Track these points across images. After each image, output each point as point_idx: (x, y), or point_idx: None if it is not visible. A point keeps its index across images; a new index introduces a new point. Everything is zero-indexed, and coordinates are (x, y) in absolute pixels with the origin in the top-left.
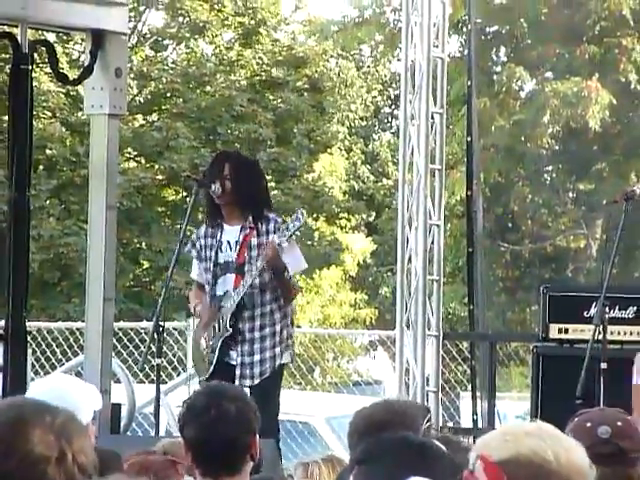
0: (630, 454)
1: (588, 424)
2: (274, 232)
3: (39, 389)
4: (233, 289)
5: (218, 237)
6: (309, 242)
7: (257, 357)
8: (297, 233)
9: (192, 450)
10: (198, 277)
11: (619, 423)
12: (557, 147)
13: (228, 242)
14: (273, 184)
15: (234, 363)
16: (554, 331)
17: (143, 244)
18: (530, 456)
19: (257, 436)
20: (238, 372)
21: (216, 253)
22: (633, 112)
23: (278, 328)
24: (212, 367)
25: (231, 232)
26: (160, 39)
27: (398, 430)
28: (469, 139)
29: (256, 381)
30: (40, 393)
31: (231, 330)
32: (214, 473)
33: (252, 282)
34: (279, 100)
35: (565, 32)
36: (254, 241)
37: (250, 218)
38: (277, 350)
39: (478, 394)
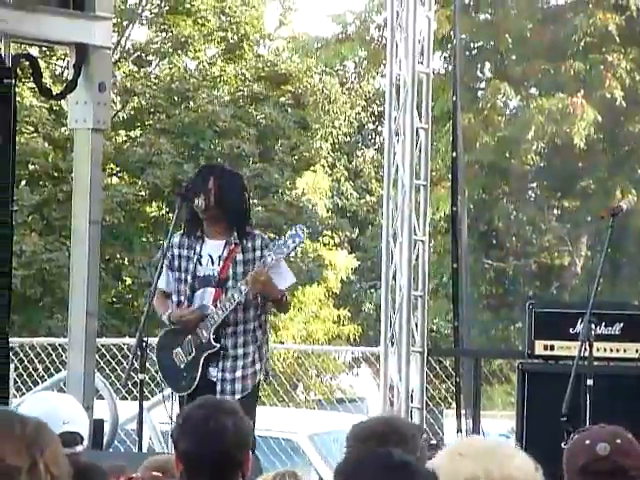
0: (630, 472)
1: (587, 441)
2: (261, 249)
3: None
4: (212, 303)
5: (197, 250)
6: (292, 259)
7: (239, 373)
8: (296, 249)
9: (185, 463)
10: (166, 286)
11: (618, 440)
12: (542, 164)
13: (210, 256)
14: (256, 200)
15: (214, 379)
16: (540, 348)
17: (125, 260)
18: (503, 475)
19: (250, 452)
20: (219, 388)
21: (195, 266)
22: (618, 129)
23: (259, 345)
24: (195, 383)
25: (214, 246)
26: (143, 54)
27: (397, 446)
28: (454, 155)
29: (237, 397)
30: (41, 409)
31: (218, 346)
32: None
33: (238, 298)
34: (262, 116)
35: (550, 48)
36: (239, 257)
37: (235, 234)
38: (257, 367)
39: (462, 411)
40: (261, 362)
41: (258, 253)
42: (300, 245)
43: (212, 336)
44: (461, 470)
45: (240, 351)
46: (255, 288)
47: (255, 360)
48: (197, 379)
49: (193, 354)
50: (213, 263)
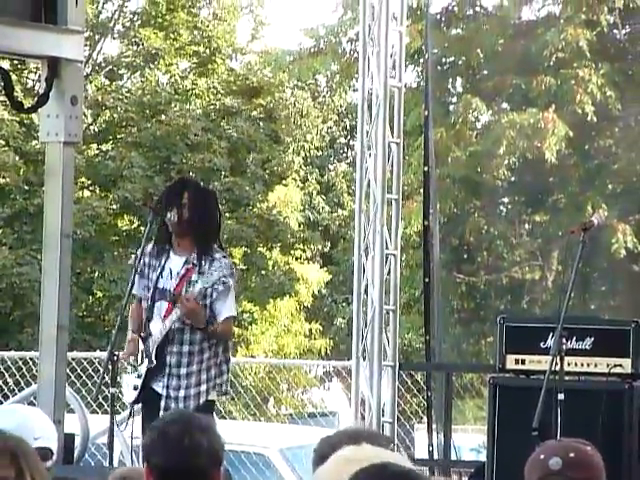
0: None
1: (542, 456)
2: (218, 273)
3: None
4: (163, 317)
5: (162, 262)
6: (263, 272)
7: (182, 393)
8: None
9: (156, 478)
10: (138, 291)
11: (572, 454)
12: (513, 178)
13: (170, 270)
14: (228, 214)
15: (161, 392)
16: (511, 362)
17: (97, 273)
18: None
19: (221, 469)
20: (163, 404)
21: (157, 277)
22: (589, 144)
23: (205, 366)
24: (137, 393)
25: (176, 261)
26: (115, 68)
27: None
28: (426, 169)
29: None
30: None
31: (155, 363)
32: None
33: (182, 318)
34: (234, 129)
35: (521, 63)
36: (194, 277)
37: (194, 254)
38: (202, 388)
39: (433, 425)
40: (208, 383)
41: (214, 276)
42: (229, 279)
43: (154, 353)
44: (345, 475)
45: (183, 371)
46: (184, 312)
47: (201, 381)
48: (139, 389)
49: (139, 368)
50: (172, 278)
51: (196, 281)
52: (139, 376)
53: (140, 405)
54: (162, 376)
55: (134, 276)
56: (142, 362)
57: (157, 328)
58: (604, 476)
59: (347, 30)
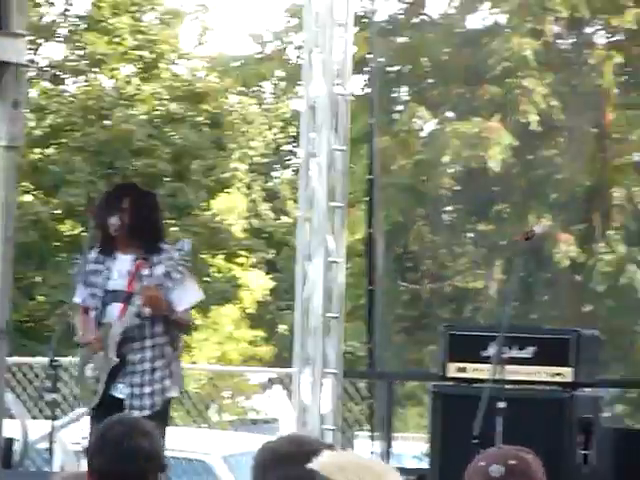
0: None
1: (482, 463)
2: (163, 262)
3: None
4: (118, 318)
5: (109, 265)
6: (207, 278)
7: (147, 389)
8: (185, 264)
9: None
10: (82, 301)
11: (512, 462)
12: (457, 187)
13: (119, 271)
14: (171, 220)
15: (121, 396)
16: (453, 370)
17: (38, 278)
18: None
19: (161, 474)
20: (127, 402)
21: (106, 281)
22: (534, 154)
23: (168, 361)
24: (98, 398)
25: (124, 261)
26: (59, 72)
27: (304, 465)
28: (371, 177)
29: (145, 413)
30: None
31: (118, 360)
32: None
33: (140, 313)
34: (178, 135)
35: (467, 72)
36: (146, 272)
37: (143, 250)
38: (167, 383)
39: (375, 433)
40: (171, 379)
41: (168, 264)
42: (185, 258)
43: (114, 351)
44: None
45: (147, 366)
46: (144, 301)
47: (165, 376)
48: (100, 394)
49: (98, 370)
50: (122, 278)
51: (149, 275)
52: (98, 380)
53: (93, 409)
54: (124, 375)
55: (77, 284)
56: (97, 368)
57: (115, 328)
58: None
59: (293, 36)
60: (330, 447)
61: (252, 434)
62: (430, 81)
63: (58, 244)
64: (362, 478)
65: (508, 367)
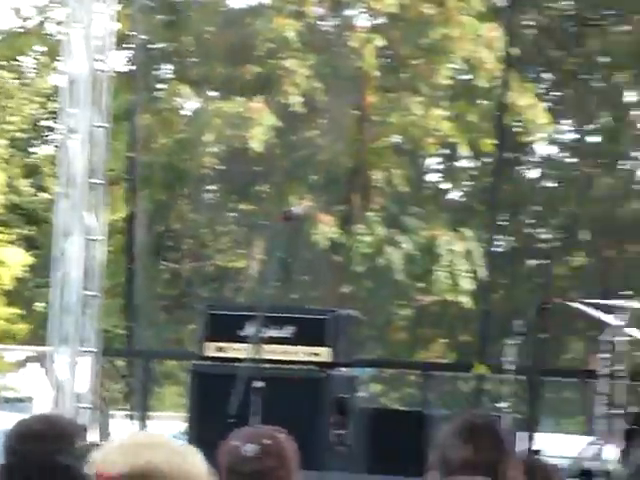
0: (277, 472)
1: (236, 442)
2: None
3: None
4: None
5: None
6: None
7: None
8: None
9: None
10: None
11: (267, 441)
12: (220, 167)
13: None
14: None
15: None
16: (212, 350)
17: None
18: (149, 468)
19: None
20: None
21: None
22: (296, 135)
23: None
24: None
25: None
26: None
27: (55, 443)
28: (132, 155)
29: None
30: None
31: None
32: None
33: None
34: None
35: (230, 52)
36: None
37: None
38: None
39: (133, 413)
40: None
41: None
42: None
43: None
44: (147, 459)
45: None
46: None
47: None
48: None
49: None
50: None
51: None
52: None
53: None
54: None
55: None
56: None
57: None
58: (297, 463)
59: (56, 11)
60: (81, 429)
61: (4, 412)
62: (194, 60)
63: None
64: (164, 455)
65: (267, 347)
